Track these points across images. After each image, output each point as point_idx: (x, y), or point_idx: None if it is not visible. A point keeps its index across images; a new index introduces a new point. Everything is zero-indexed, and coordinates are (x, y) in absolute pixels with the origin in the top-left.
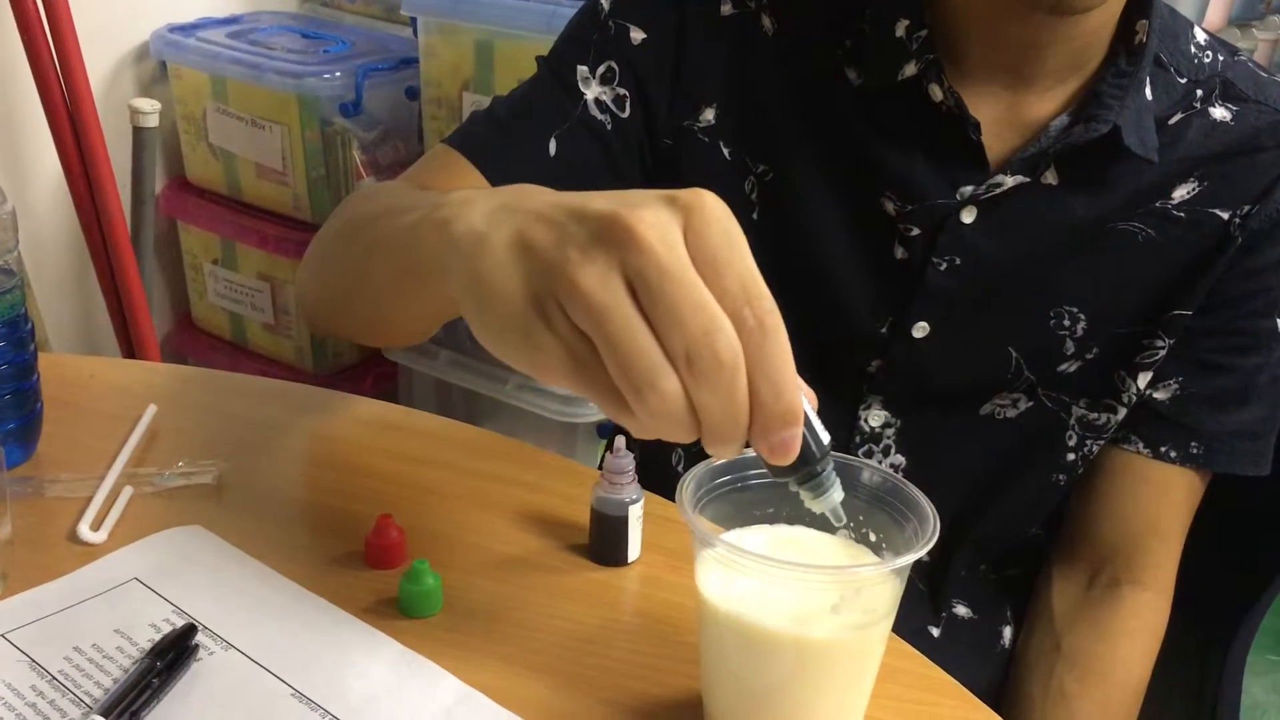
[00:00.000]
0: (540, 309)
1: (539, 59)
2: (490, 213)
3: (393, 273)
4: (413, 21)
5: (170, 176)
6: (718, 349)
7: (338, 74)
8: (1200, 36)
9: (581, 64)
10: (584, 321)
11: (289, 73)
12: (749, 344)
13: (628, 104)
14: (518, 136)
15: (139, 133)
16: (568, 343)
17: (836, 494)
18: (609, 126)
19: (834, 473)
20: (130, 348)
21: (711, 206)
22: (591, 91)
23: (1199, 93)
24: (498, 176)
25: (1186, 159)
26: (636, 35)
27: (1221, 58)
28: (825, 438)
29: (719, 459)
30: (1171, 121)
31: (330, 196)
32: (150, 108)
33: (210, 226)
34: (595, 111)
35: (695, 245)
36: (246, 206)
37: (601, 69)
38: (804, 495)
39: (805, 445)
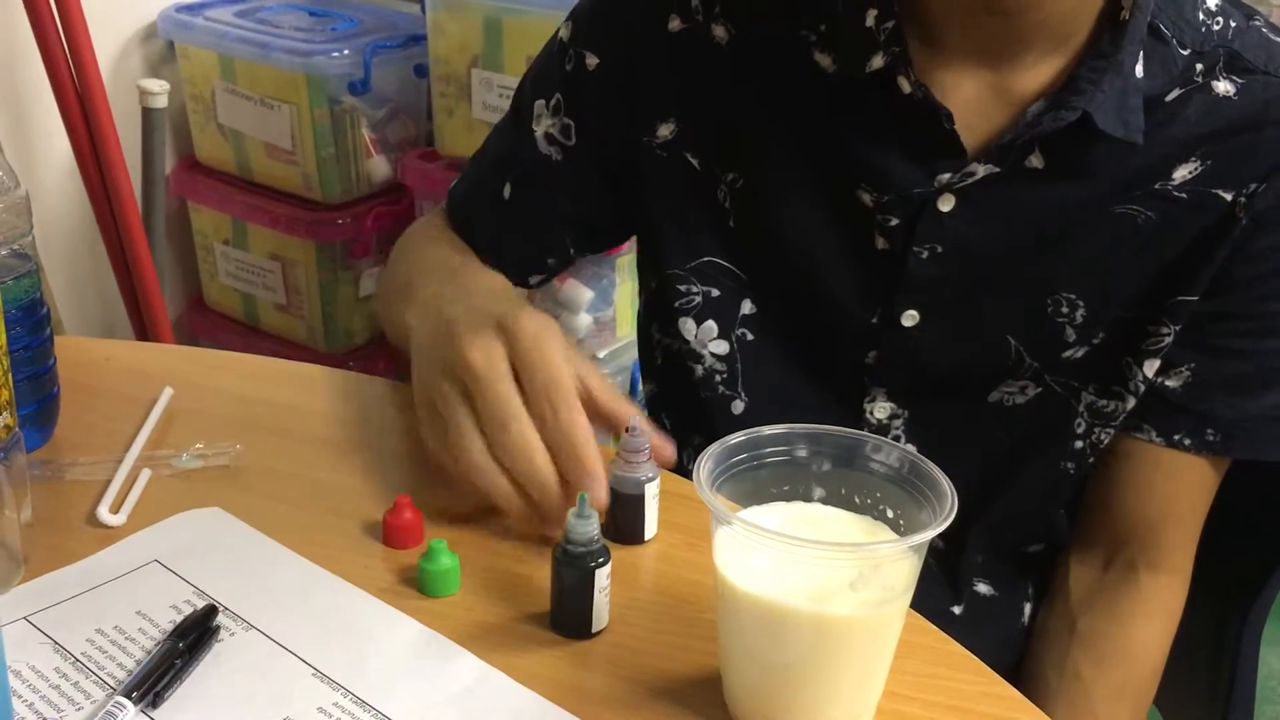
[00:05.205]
0: (431, 409)
1: (515, 93)
2: (429, 336)
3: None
4: None
5: (180, 157)
6: (510, 433)
7: (346, 52)
8: (1211, 1)
9: (540, 98)
10: (446, 419)
11: (297, 51)
12: (551, 429)
13: (573, 131)
14: (481, 186)
15: (148, 113)
16: (440, 431)
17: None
18: (557, 157)
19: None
20: (143, 329)
21: (524, 329)
22: (541, 127)
23: (1200, 66)
24: (466, 229)
25: (1186, 137)
26: (591, 61)
27: (1234, 23)
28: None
29: (546, 530)
30: (1169, 98)
31: (340, 175)
32: (159, 88)
33: (220, 207)
34: (544, 146)
35: (514, 359)
36: (256, 186)
37: (553, 101)
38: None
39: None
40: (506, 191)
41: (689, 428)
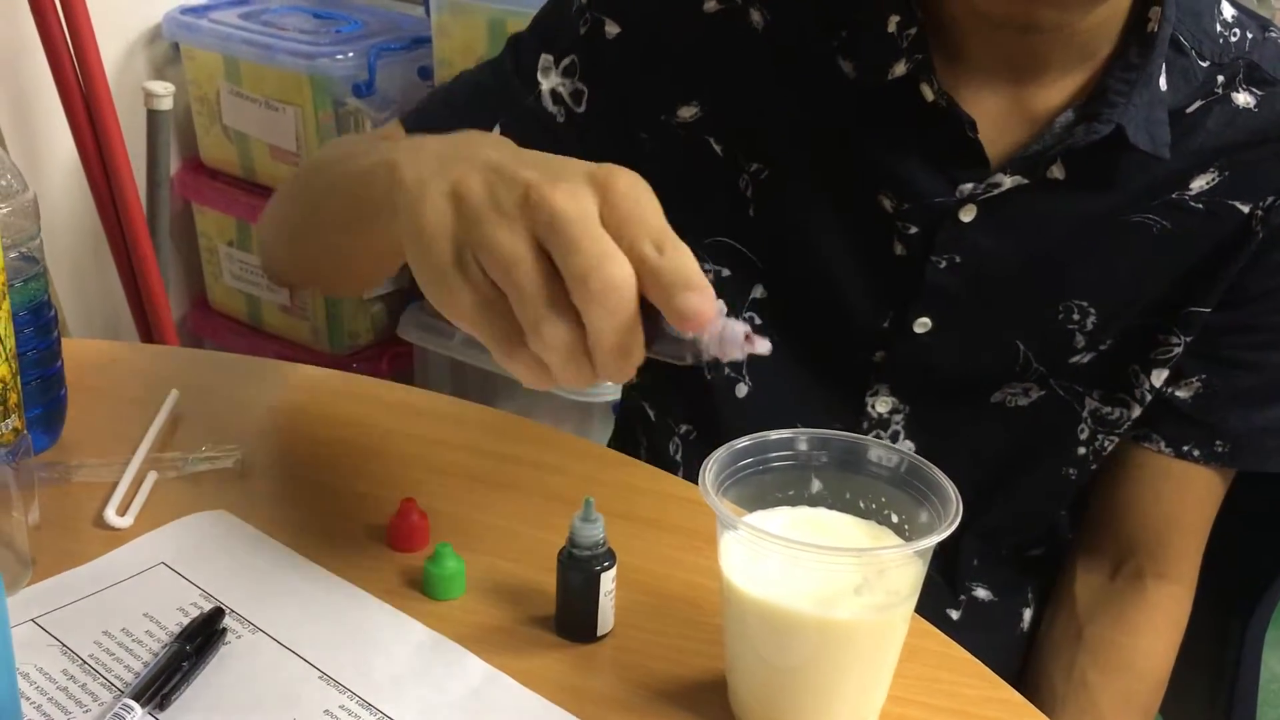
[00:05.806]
0: (459, 257)
1: (510, 37)
2: (435, 160)
3: (347, 211)
4: (425, 0)
5: (184, 159)
6: (610, 270)
7: (350, 54)
8: (1227, 12)
9: (548, 52)
10: (494, 271)
11: (301, 53)
12: (654, 264)
13: (584, 100)
14: (462, 118)
15: (153, 115)
16: (478, 288)
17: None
18: (560, 119)
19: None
20: (148, 331)
21: (624, 182)
22: (549, 81)
23: (1220, 78)
24: None
25: (1205, 149)
26: (612, 29)
27: (1250, 35)
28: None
29: (608, 378)
30: (1190, 110)
31: None
32: (164, 90)
33: (225, 208)
34: (548, 102)
35: (608, 213)
36: (261, 188)
37: (566, 61)
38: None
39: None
40: (497, 131)
41: (682, 415)
